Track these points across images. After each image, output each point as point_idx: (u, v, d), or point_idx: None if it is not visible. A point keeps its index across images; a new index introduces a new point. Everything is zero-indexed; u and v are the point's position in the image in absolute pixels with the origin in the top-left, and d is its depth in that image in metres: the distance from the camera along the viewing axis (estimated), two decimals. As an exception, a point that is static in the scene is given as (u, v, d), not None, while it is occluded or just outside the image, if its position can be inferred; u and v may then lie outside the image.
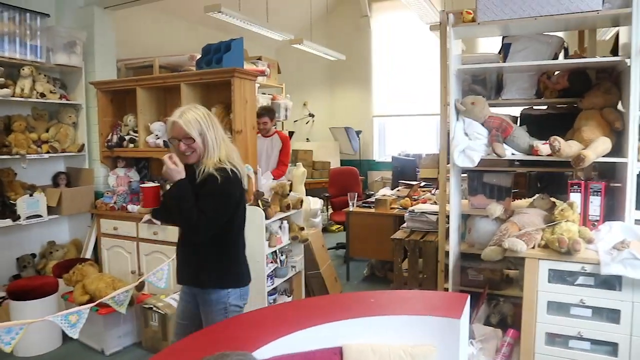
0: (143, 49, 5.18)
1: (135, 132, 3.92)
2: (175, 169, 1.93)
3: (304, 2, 7.25)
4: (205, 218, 1.92)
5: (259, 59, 6.29)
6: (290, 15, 7.45)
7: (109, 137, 4.06)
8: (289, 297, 3.69)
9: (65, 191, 3.92)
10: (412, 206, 4.09)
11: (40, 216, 3.74)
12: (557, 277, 2.31)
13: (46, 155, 3.90)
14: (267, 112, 4.57)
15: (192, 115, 1.98)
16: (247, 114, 3.49)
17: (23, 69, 3.70)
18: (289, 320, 1.62)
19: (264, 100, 6.55)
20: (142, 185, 2.21)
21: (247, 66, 5.05)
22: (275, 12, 6.47)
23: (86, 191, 4.08)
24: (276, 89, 7.01)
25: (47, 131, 4.00)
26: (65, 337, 3.42)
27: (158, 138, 3.71)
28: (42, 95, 3.83)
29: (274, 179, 3.78)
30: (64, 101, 4.09)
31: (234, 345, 1.19)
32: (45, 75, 3.92)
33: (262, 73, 5.82)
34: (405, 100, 7.97)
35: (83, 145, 4.18)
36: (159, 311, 3.17)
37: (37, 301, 3.23)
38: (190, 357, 1.13)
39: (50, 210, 3.82)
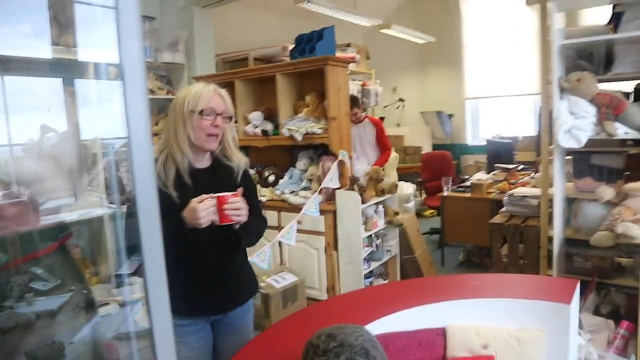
0: (238, 43, 5.43)
1: (235, 122, 4.15)
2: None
3: (391, -15, 7.16)
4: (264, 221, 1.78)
5: (348, 45, 6.32)
6: (377, 0, 7.39)
7: (211, 128, 4.32)
8: (384, 280, 3.73)
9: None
10: (510, 190, 3.94)
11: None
12: (679, 264, 2.14)
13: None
14: (353, 103, 4.62)
15: (225, 91, 1.68)
16: (341, 101, 3.56)
17: (136, 69, 4.05)
18: (392, 300, 1.66)
19: (353, 87, 6.58)
20: (219, 195, 1.50)
21: (338, 53, 5.11)
22: (362, -2, 6.46)
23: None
24: (366, 75, 7.02)
25: (156, 124, 4.35)
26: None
27: (256, 127, 3.89)
28: (152, 92, 4.17)
29: (369, 164, 3.82)
30: (170, 96, 4.42)
31: (341, 322, 1.25)
32: (153, 73, 4.25)
33: (353, 60, 5.85)
34: (499, 81, 7.61)
35: (188, 136, 4.49)
36: (261, 291, 3.36)
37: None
38: (299, 332, 1.21)
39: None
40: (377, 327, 1.49)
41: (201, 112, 1.57)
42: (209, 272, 1.66)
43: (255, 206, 1.71)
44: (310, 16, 5.86)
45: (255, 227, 1.70)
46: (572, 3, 2.75)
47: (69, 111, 2.78)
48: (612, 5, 2.80)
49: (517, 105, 7.62)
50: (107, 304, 2.06)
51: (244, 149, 4.40)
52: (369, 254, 3.43)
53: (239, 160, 1.73)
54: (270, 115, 3.91)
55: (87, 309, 1.99)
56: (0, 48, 2.31)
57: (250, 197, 1.66)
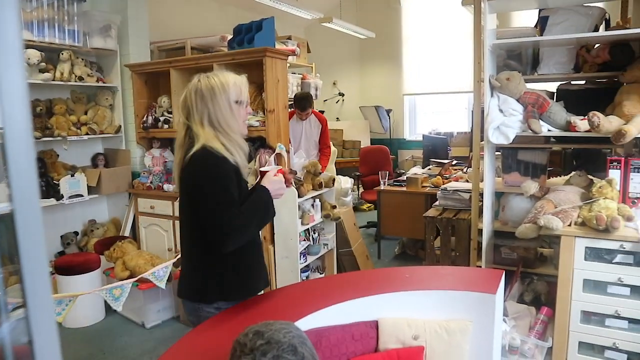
0: (175, 31, 5.24)
1: (170, 113, 4.00)
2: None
3: (333, -21, 7.16)
4: None
5: (289, 38, 6.28)
6: (319, -7, 7.38)
7: (144, 119, 4.15)
8: (321, 274, 3.75)
9: (104, 171, 4.05)
10: (444, 184, 4.07)
11: (81, 196, 3.88)
12: (594, 255, 2.28)
13: (85, 137, 4.03)
14: (309, 103, 4.63)
15: None
16: (279, 94, 3.51)
17: (62, 54, 3.80)
18: (327, 294, 1.66)
19: (293, 80, 6.55)
20: (280, 168, 1.75)
21: (278, 46, 5.06)
22: (304, -10, 6.42)
23: (123, 171, 4.20)
24: (306, 68, 7.00)
25: (85, 113, 4.12)
26: (107, 311, 3.58)
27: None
28: (81, 78, 3.94)
29: (307, 158, 3.82)
30: (100, 84, 4.19)
31: (275, 317, 1.23)
32: (82, 59, 4.02)
33: (293, 52, 5.81)
34: (436, 78, 7.83)
35: (120, 126, 4.29)
36: (196, 287, 3.28)
37: (83, 276, 3.39)
38: (232, 328, 1.18)
39: (90, 190, 3.97)
40: (311, 321, 1.48)
41: (241, 103, 1.66)
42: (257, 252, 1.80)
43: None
44: (251, 6, 5.76)
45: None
46: (503, 5, 2.85)
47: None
48: (538, 10, 2.94)
49: (453, 102, 7.87)
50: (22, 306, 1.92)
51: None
52: (305, 248, 3.43)
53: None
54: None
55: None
56: None
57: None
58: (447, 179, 4.49)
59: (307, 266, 3.50)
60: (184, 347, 1.41)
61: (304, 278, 3.43)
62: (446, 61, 7.59)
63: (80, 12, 3.97)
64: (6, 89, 0.48)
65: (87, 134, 4.03)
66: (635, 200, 2.46)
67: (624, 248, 2.19)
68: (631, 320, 2.24)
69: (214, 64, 3.62)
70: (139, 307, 3.41)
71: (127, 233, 4.12)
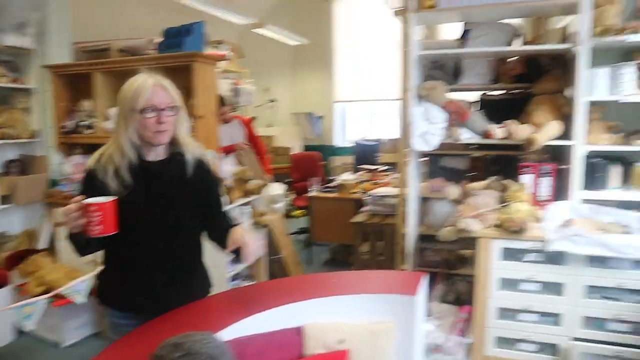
0: (100, 32, 5.00)
1: (93, 117, 3.81)
2: None
3: (266, -16, 7.15)
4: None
5: (221, 42, 6.19)
6: (253, -1, 7.35)
7: (65, 123, 3.93)
8: (251, 282, 3.70)
9: (19, 179, 3.78)
10: (372, 190, 4.16)
11: (-11, 206, 3.61)
12: (509, 254, 2.42)
13: (-4, 142, 3.75)
14: (220, 102, 4.54)
15: (168, 80, 1.60)
16: (209, 100, 3.45)
17: (-31, 51, 3.53)
18: (250, 302, 1.64)
19: (226, 86, 6.46)
20: (90, 201, 1.41)
21: (209, 50, 4.97)
22: (237, -5, 6.37)
23: (40, 179, 3.95)
24: (238, 73, 6.93)
25: (-3, 116, 3.84)
26: (18, 332, 3.34)
27: (116, 123, 3.62)
28: (-11, 78, 3.67)
29: (237, 165, 3.77)
30: (15, 85, 3.92)
31: (196, 328, 1.21)
32: (-6, 58, 3.75)
33: (224, 57, 5.74)
34: (367, 86, 8.03)
35: (37, 131, 4.04)
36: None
37: (-14, 294, 3.13)
38: (152, 340, 1.13)
39: (3, 199, 3.69)
40: (234, 331, 1.46)
41: (142, 111, 1.51)
42: (149, 264, 1.65)
43: (214, 202, 1.74)
44: (182, 9, 5.63)
45: None
46: (429, 18, 2.98)
47: None
48: (463, 23, 3.09)
49: (383, 109, 8.09)
50: None
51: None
52: (234, 256, 3.37)
53: (193, 151, 1.67)
54: (132, 111, 3.66)
55: None
56: None
57: (209, 192, 1.71)
58: (376, 184, 4.60)
59: (236, 274, 3.44)
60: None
61: (233, 287, 3.37)
62: (376, 69, 7.81)
63: (-8, 6, 3.70)
64: None
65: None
66: (545, 203, 2.64)
67: (534, 248, 2.34)
68: (541, 314, 2.41)
69: (140, 67, 3.49)
70: (54, 324, 3.19)
71: (44, 245, 3.87)
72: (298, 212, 6.83)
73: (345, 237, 4.33)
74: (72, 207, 1.40)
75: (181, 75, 3.48)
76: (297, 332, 1.60)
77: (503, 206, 2.53)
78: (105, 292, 1.74)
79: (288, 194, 6.87)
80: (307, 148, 7.82)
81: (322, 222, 4.61)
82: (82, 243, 1.51)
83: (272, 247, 3.93)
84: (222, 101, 4.50)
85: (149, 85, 1.53)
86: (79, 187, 1.65)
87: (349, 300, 1.70)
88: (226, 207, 1.84)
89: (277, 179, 6.22)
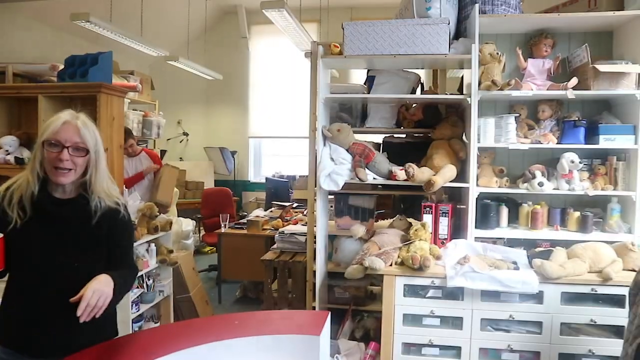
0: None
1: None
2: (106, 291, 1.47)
3: (181, 18, 7.12)
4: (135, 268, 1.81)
5: (131, 73, 6.03)
6: (167, 31, 7.26)
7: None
8: (156, 323, 3.51)
9: None
10: (283, 227, 4.18)
11: None
12: (411, 291, 2.52)
13: None
14: (127, 134, 4.40)
15: (91, 124, 1.58)
16: (114, 132, 3.32)
17: None
18: (152, 345, 1.57)
19: (134, 117, 6.26)
20: None
21: (117, 80, 4.81)
22: (150, 26, 6.27)
23: None
24: (149, 105, 6.75)
25: None
26: None
27: (8, 154, 3.35)
28: None
29: (142, 201, 3.63)
30: None
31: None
32: None
33: (134, 89, 5.57)
34: (280, 123, 8.15)
35: None
36: None
37: None
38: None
39: None
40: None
41: (46, 143, 1.50)
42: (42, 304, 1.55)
43: (118, 254, 1.67)
44: (91, 37, 5.43)
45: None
46: (336, 63, 3.12)
47: None
48: (367, 70, 3.27)
49: (296, 146, 8.22)
50: None
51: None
52: (138, 296, 3.20)
53: (104, 200, 1.61)
54: (29, 142, 3.41)
55: None
56: None
57: (115, 243, 1.64)
58: (287, 221, 4.63)
59: (140, 315, 3.26)
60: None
61: (137, 329, 3.19)
62: (289, 107, 7.97)
63: None
64: None
65: None
66: (444, 241, 2.81)
67: (434, 284, 2.46)
68: (441, 347, 2.51)
69: (39, 95, 3.29)
70: None
71: None
72: (208, 248, 6.66)
73: (256, 274, 4.27)
74: None
75: (84, 105, 3.32)
76: (198, 377, 1.54)
77: (406, 244, 2.66)
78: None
79: (198, 229, 6.70)
80: (220, 183, 7.71)
81: (232, 259, 4.53)
82: None
83: (180, 286, 3.79)
84: (128, 133, 4.37)
85: (62, 120, 1.52)
86: None
87: (254, 342, 1.67)
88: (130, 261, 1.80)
89: (188, 214, 6.07)
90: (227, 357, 1.61)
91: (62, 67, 3.59)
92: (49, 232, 1.55)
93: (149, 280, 3.33)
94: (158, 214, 3.42)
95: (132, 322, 3.11)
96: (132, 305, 3.09)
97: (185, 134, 8.38)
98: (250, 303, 4.71)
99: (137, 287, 3.22)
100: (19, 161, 3.32)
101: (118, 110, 3.39)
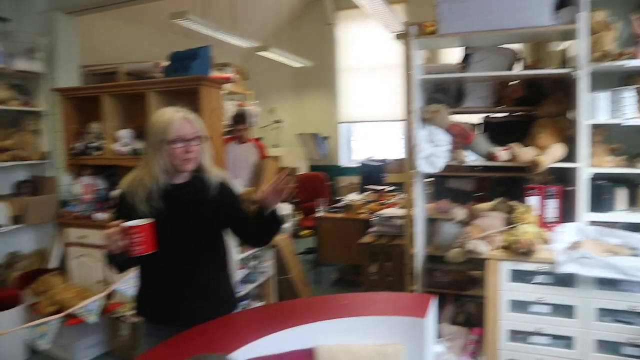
0: (107, 56, 5.12)
1: (102, 139, 3.88)
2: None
3: (270, 9, 7.30)
4: None
5: (226, 65, 6.30)
6: (257, 22, 7.49)
7: (74, 145, 4.00)
8: (261, 302, 3.71)
9: (30, 200, 3.84)
10: (379, 211, 4.19)
11: (0, 226, 3.65)
12: (517, 276, 2.43)
13: (7, 164, 3.81)
14: (240, 119, 4.60)
15: (194, 115, 1.80)
16: (215, 122, 3.52)
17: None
18: (262, 323, 1.67)
19: (231, 107, 6.55)
20: (130, 224, 1.54)
21: (214, 73, 5.06)
22: (241, 19, 6.49)
23: (50, 200, 4.00)
24: (243, 95, 7.03)
25: (7, 139, 3.91)
26: (31, 351, 3.35)
27: (126, 145, 3.68)
28: (3, 102, 3.75)
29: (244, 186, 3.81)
30: (25, 108, 4.01)
31: (209, 349, 1.23)
32: (5, 82, 3.84)
33: (229, 80, 5.84)
34: (371, 106, 8.10)
35: (46, 153, 4.10)
36: (129, 320, 3.15)
37: (1, 314, 3.15)
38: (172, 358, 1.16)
39: (14, 219, 3.74)
40: (247, 351, 1.48)
41: (171, 142, 1.69)
42: (177, 279, 1.78)
43: (240, 213, 1.88)
44: (187, 33, 5.74)
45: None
46: (430, 43, 3.04)
47: None
48: (465, 47, 3.15)
49: (388, 129, 8.15)
50: None
51: (113, 168, 4.14)
52: (244, 277, 3.40)
53: (216, 175, 1.84)
54: (141, 134, 3.72)
55: None
56: None
57: (233, 207, 1.86)
58: (383, 205, 4.63)
59: (246, 295, 3.46)
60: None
61: (243, 307, 3.39)
62: (380, 90, 7.88)
63: (3, 32, 3.80)
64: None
65: (10, 160, 3.81)
66: (552, 224, 2.66)
67: (543, 269, 2.35)
68: (551, 336, 2.39)
69: (147, 91, 3.57)
70: (66, 343, 3.21)
71: (54, 265, 3.90)
72: (305, 232, 6.85)
73: (353, 258, 4.34)
74: (113, 231, 1.53)
75: (186, 98, 3.56)
76: (309, 353, 1.61)
77: (510, 228, 2.55)
78: (139, 303, 1.88)
79: (295, 214, 6.91)
80: (313, 168, 7.86)
81: (329, 243, 4.63)
82: (121, 262, 1.68)
83: (281, 267, 3.95)
84: (240, 118, 4.54)
85: (178, 119, 1.71)
86: (113, 210, 1.83)
87: (359, 322, 1.72)
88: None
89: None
90: (334, 336, 1.67)
91: (164, 63, 3.85)
92: (178, 214, 1.75)
93: (253, 261, 3.52)
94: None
95: (240, 301, 3.31)
96: (238, 284, 3.29)
97: (278, 121, 8.62)
98: (348, 285, 4.79)
99: (242, 268, 3.42)
100: (135, 152, 3.63)
101: (217, 101, 3.58)
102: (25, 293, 3.40)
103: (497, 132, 2.97)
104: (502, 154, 2.62)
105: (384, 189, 5.23)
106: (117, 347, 3.26)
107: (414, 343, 1.69)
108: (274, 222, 1.80)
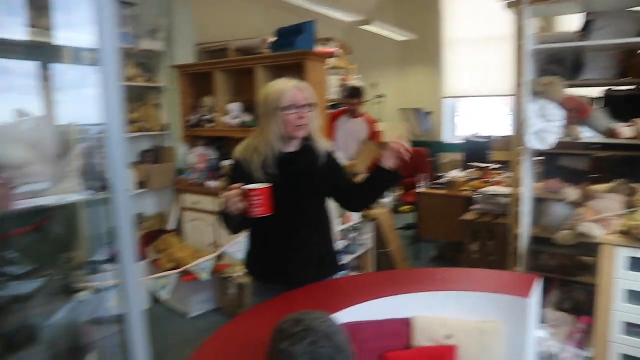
0: (218, 33, 5.40)
1: (214, 112, 4.15)
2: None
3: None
4: None
5: (329, 40, 6.35)
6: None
7: (189, 117, 4.32)
8: (358, 273, 3.80)
9: (152, 167, 4.24)
10: (483, 188, 4.04)
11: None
12: (636, 264, 2.24)
13: (134, 134, 4.22)
14: (355, 93, 4.60)
15: (305, 83, 1.89)
16: (319, 95, 3.59)
17: (116, 55, 4.00)
18: (362, 289, 1.72)
19: (334, 82, 6.61)
20: (251, 187, 1.64)
21: (318, 47, 5.13)
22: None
23: (169, 167, 4.39)
24: (346, 70, 7.05)
25: (134, 112, 4.32)
26: (151, 300, 3.75)
27: (235, 118, 3.90)
28: (130, 79, 4.14)
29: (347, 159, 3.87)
30: (148, 84, 4.39)
31: (312, 308, 1.30)
32: (132, 60, 4.22)
33: (332, 54, 5.89)
34: (478, 81, 7.73)
35: (166, 124, 4.48)
36: (236, 280, 3.40)
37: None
38: (270, 317, 1.25)
39: (139, 185, 4.16)
40: (345, 315, 1.54)
41: (284, 108, 1.78)
42: (285, 243, 1.90)
43: (345, 181, 2.01)
44: (292, 8, 5.86)
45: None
46: (545, 10, 2.83)
47: (45, 95, 2.78)
48: (585, 13, 2.90)
49: (494, 104, 7.76)
50: (82, 289, 2.09)
51: (223, 139, 4.42)
52: (343, 247, 3.49)
53: (323, 144, 1.93)
54: (249, 107, 3.92)
55: (62, 294, 2.03)
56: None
57: (339, 175, 1.98)
58: (486, 182, 4.46)
59: (344, 265, 3.56)
60: (224, 336, 1.51)
61: (342, 276, 3.49)
62: (487, 63, 7.48)
63: (131, 15, 4.16)
64: (107, 94, 0.58)
65: (136, 131, 4.23)
66: (681, 210, 2.40)
67: (667, 258, 2.15)
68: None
69: (256, 66, 3.74)
70: (182, 297, 3.57)
71: (171, 227, 4.30)
72: (405, 207, 6.80)
73: (453, 235, 4.26)
74: (234, 193, 1.63)
75: (292, 72, 3.66)
76: (406, 323, 1.64)
77: (631, 211, 2.35)
78: (249, 264, 2.02)
79: (395, 189, 6.88)
80: (415, 144, 7.74)
81: (429, 219, 4.57)
82: (236, 223, 1.79)
83: (380, 241, 4.00)
84: (354, 92, 4.56)
85: (290, 87, 1.81)
86: (228, 175, 1.95)
87: (457, 297, 1.71)
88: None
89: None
90: (431, 308, 1.68)
91: (270, 39, 3.98)
92: (290, 182, 1.85)
93: (352, 233, 3.59)
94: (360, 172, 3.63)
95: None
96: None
97: (381, 96, 8.55)
98: (447, 263, 4.72)
99: (342, 239, 3.51)
100: (244, 124, 3.84)
101: (321, 75, 3.65)
102: (148, 250, 3.79)
103: (620, 107, 2.71)
104: (625, 130, 2.40)
105: (488, 166, 5.03)
106: (225, 305, 3.55)
107: (514, 323, 1.65)
108: (386, 181, 1.89)
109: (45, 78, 3.15)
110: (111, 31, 0.60)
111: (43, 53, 3.20)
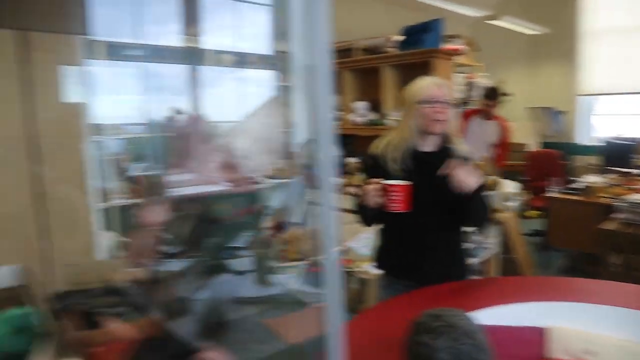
0: (342, 32, 5.52)
1: (341, 111, 4.28)
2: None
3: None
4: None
5: (455, 36, 6.18)
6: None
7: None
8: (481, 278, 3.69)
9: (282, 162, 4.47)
10: (627, 196, 3.69)
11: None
12: None
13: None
14: (494, 94, 4.41)
15: (444, 81, 1.93)
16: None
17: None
18: (494, 293, 1.69)
19: (459, 80, 6.43)
20: (392, 183, 1.70)
21: (444, 45, 5.04)
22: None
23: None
24: (472, 67, 6.82)
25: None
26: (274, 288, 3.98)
27: (362, 116, 4.00)
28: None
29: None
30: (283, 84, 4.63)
31: (451, 305, 1.30)
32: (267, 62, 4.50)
33: (458, 52, 5.73)
34: (620, 77, 7.00)
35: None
36: (359, 276, 3.48)
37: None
38: (403, 312, 1.29)
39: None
40: (477, 317, 1.53)
41: (421, 102, 1.82)
42: (418, 240, 1.91)
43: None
44: (414, 6, 5.81)
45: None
46: None
47: (193, 95, 3.14)
48: None
49: (637, 103, 6.99)
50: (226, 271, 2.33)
51: (349, 137, 4.53)
52: (469, 250, 3.40)
53: (462, 149, 1.93)
54: (375, 106, 3.98)
55: (208, 273, 2.27)
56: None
57: None
58: (631, 190, 4.05)
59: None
60: (358, 327, 1.58)
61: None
62: (632, 57, 6.74)
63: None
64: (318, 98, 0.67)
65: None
66: None
67: None
68: None
69: (381, 65, 3.79)
70: (302, 289, 3.74)
71: (298, 220, 4.48)
72: (533, 212, 6.42)
73: (588, 245, 3.94)
74: (374, 187, 1.71)
75: (418, 70, 3.65)
76: (540, 332, 1.58)
77: None
78: (381, 258, 2.07)
79: (522, 192, 6.51)
80: (546, 145, 7.26)
81: (561, 226, 4.28)
82: (371, 216, 1.87)
83: (505, 246, 3.84)
84: (491, 93, 4.41)
85: (428, 83, 1.86)
86: (364, 169, 2.05)
87: (599, 310, 1.60)
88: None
89: (510, 176, 5.96)
90: (570, 319, 1.60)
91: (395, 38, 3.99)
92: (425, 181, 1.84)
93: (477, 236, 3.49)
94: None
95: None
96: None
97: (507, 94, 8.12)
98: (579, 275, 4.36)
99: (467, 242, 3.42)
100: (371, 123, 3.92)
101: (447, 73, 3.62)
102: (275, 240, 4.02)
103: None
104: None
105: (632, 171, 4.57)
106: (347, 299, 3.65)
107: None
108: (474, 204, 1.81)
109: (194, 79, 3.53)
110: (323, 39, 0.70)
111: (192, 57, 3.58)
